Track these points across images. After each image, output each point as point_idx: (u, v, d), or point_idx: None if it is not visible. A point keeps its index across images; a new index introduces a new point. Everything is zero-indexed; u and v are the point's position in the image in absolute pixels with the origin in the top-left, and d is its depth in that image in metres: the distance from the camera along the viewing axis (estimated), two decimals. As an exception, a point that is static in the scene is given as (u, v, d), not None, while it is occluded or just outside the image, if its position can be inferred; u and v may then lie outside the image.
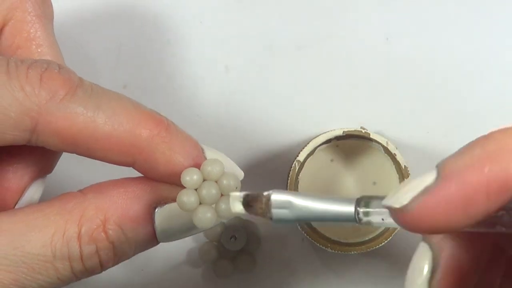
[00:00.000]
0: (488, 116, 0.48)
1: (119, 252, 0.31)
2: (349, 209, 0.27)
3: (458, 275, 0.26)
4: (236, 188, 0.31)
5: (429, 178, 0.24)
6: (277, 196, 0.28)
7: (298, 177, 0.45)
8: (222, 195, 0.31)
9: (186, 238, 0.48)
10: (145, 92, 0.48)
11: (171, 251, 0.48)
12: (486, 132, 0.49)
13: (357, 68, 0.48)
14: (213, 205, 0.31)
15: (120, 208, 0.31)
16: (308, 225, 0.45)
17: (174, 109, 0.48)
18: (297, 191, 0.45)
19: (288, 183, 0.45)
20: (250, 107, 0.48)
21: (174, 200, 0.31)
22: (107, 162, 0.31)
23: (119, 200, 0.31)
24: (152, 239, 0.32)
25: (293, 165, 0.45)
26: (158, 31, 0.48)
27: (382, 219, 0.27)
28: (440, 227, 0.24)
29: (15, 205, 0.33)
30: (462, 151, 0.24)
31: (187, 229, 0.32)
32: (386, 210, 0.26)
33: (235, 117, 0.48)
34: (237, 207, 0.29)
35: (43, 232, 0.30)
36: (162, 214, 0.31)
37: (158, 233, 0.31)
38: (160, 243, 0.33)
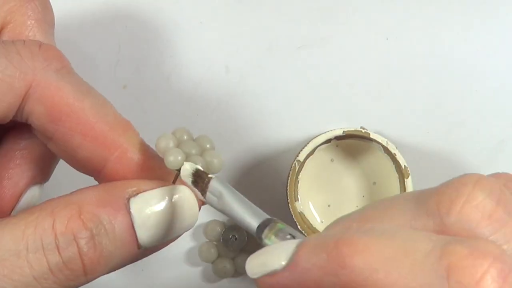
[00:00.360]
0: (488, 116, 0.48)
1: (99, 246, 0.29)
2: (254, 224, 0.29)
3: None
4: (211, 144, 0.32)
5: (281, 259, 0.26)
6: (214, 183, 0.30)
7: (298, 177, 0.45)
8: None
9: (186, 238, 0.48)
10: (145, 92, 0.48)
11: (171, 251, 0.48)
12: (485, 132, 0.49)
13: (357, 68, 0.48)
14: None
15: (92, 198, 0.30)
16: (308, 225, 0.45)
17: (174, 109, 0.48)
18: (297, 191, 0.45)
19: (288, 183, 0.45)
20: (250, 107, 0.48)
21: (145, 190, 0.31)
22: (80, 157, 0.31)
23: (89, 193, 0.30)
24: (132, 235, 0.30)
25: (293, 165, 0.45)
26: (157, 31, 0.48)
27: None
28: None
29: (12, 211, 0.33)
30: (317, 247, 0.25)
31: (164, 216, 0.31)
32: (282, 241, 0.27)
33: (235, 117, 0.48)
34: (187, 179, 0.30)
35: (14, 227, 0.29)
36: (137, 203, 0.30)
37: (135, 223, 0.30)
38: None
